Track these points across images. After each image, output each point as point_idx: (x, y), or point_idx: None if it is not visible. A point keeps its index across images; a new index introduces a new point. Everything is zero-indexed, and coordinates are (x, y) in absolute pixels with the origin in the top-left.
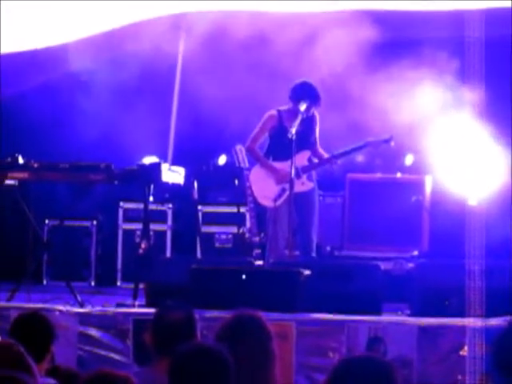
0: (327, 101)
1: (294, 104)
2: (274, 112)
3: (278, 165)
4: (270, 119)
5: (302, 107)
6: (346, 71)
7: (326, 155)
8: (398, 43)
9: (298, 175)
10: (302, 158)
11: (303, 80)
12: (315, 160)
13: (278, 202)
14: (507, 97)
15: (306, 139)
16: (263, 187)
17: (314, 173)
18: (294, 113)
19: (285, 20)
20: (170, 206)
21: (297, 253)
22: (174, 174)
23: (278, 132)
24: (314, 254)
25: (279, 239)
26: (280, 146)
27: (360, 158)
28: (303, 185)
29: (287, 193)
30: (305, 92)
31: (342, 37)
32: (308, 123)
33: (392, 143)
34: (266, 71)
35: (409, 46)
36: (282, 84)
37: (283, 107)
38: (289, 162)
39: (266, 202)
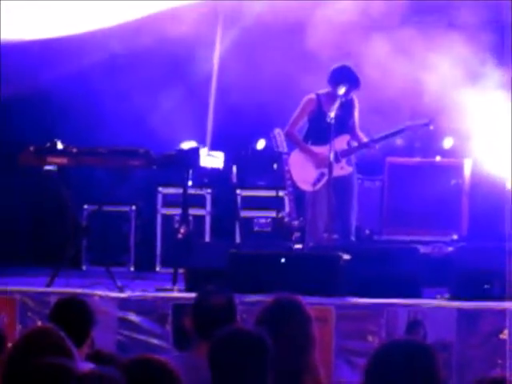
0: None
1: (333, 88)
2: (312, 96)
3: (317, 149)
4: (308, 103)
5: (341, 91)
6: (382, 53)
7: (365, 139)
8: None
9: (337, 159)
10: (341, 142)
11: (342, 63)
12: (354, 144)
13: (317, 187)
14: None
15: (344, 123)
16: (302, 171)
17: (353, 157)
18: (333, 97)
19: (319, 5)
20: (209, 190)
21: (336, 237)
22: (212, 159)
23: (317, 116)
24: (353, 238)
25: (318, 223)
26: (319, 130)
27: (399, 141)
28: (342, 169)
29: (326, 177)
30: (344, 75)
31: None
32: (347, 107)
33: (431, 127)
34: (303, 55)
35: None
36: (319, 68)
37: (322, 91)
38: (328, 146)
39: (305, 186)
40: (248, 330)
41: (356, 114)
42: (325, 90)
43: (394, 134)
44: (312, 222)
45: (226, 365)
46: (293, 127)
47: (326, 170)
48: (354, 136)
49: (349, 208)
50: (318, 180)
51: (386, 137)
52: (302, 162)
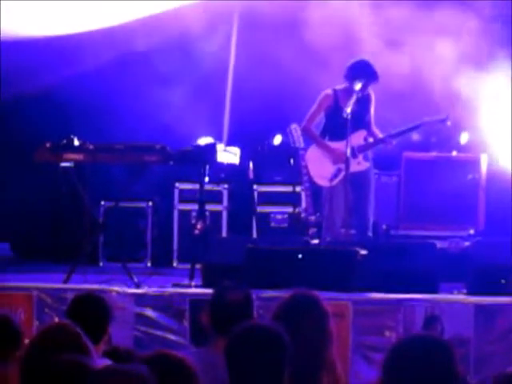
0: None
1: (350, 83)
2: (329, 91)
3: (333, 144)
4: (325, 98)
5: (357, 86)
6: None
7: (380, 135)
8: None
9: (354, 155)
10: (357, 138)
11: (359, 58)
12: (371, 139)
13: (334, 182)
14: None
15: (361, 118)
16: (319, 167)
17: (370, 152)
18: (350, 92)
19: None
20: (226, 186)
21: (353, 232)
22: (229, 155)
23: (334, 111)
24: (370, 234)
25: (335, 219)
26: (336, 126)
27: (415, 136)
28: (359, 164)
29: (343, 172)
30: (361, 70)
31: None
32: (364, 102)
33: (448, 123)
34: (317, 51)
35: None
36: (335, 63)
37: (339, 86)
38: (345, 142)
39: (322, 181)
40: (265, 325)
41: (372, 109)
42: (342, 85)
43: (410, 130)
44: (329, 217)
45: (243, 361)
46: (310, 122)
47: (343, 166)
48: (370, 131)
49: (366, 203)
50: (335, 175)
51: (403, 132)
52: (319, 158)
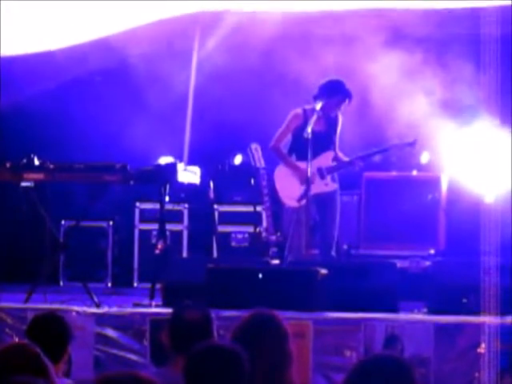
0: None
1: (333, 103)
2: (299, 111)
3: (302, 164)
4: (294, 118)
5: (317, 106)
6: (360, 72)
7: (345, 158)
8: (412, 39)
9: (321, 176)
10: (326, 159)
11: (330, 78)
12: (342, 159)
13: (302, 202)
14: None
15: (329, 139)
16: (287, 187)
17: (335, 173)
18: (327, 113)
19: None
20: (186, 205)
21: (316, 252)
22: (189, 174)
23: (302, 131)
24: (333, 254)
25: (302, 239)
26: (303, 145)
27: (376, 156)
28: (327, 186)
29: (310, 193)
30: (329, 89)
31: (356, 37)
32: (333, 124)
33: (416, 146)
34: (281, 71)
35: (424, 42)
36: (296, 84)
37: (309, 106)
38: (313, 162)
39: (290, 201)
40: (223, 345)
41: (338, 132)
42: (312, 105)
43: (378, 152)
44: (294, 237)
45: (201, 380)
46: (278, 142)
47: (311, 186)
48: (335, 154)
49: (331, 224)
50: (303, 196)
51: (371, 154)
52: (287, 178)
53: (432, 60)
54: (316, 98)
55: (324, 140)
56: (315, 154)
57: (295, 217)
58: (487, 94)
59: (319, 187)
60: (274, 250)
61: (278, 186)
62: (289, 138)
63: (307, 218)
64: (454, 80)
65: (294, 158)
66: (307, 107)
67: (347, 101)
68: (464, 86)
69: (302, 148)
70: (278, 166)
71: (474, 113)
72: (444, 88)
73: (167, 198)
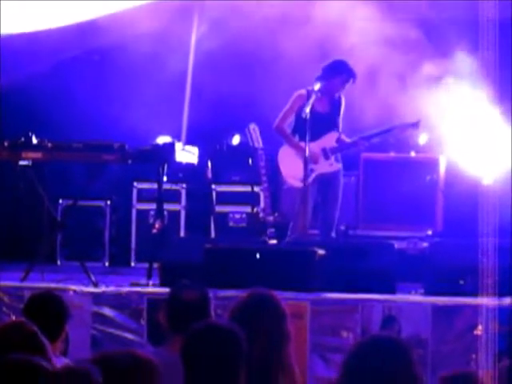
0: None
1: (324, 82)
2: (302, 91)
3: (303, 144)
4: (298, 98)
5: (316, 86)
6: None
7: (347, 139)
8: (409, 21)
9: (326, 156)
10: (330, 139)
11: (334, 59)
12: (348, 140)
13: (306, 183)
14: None
15: (333, 120)
16: (291, 167)
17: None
18: (324, 92)
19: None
20: (184, 185)
21: (315, 232)
22: (187, 154)
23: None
24: (333, 235)
25: (306, 219)
26: (304, 126)
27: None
28: (331, 166)
29: (315, 173)
30: (331, 70)
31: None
32: (336, 105)
33: (419, 127)
34: (279, 51)
35: (422, 24)
36: (300, 60)
37: (317, 86)
38: (316, 142)
39: (295, 182)
40: (221, 324)
41: (341, 113)
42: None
43: (382, 133)
44: (301, 217)
45: (199, 360)
46: (282, 122)
47: (314, 167)
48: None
49: (333, 205)
50: (307, 176)
51: (375, 135)
52: (291, 158)
53: (430, 42)
54: (319, 79)
55: (327, 121)
56: (319, 135)
57: (299, 197)
58: (485, 77)
59: (323, 167)
60: (271, 230)
61: (282, 166)
62: (292, 118)
63: (309, 199)
64: (452, 62)
65: (297, 138)
66: (311, 88)
67: (351, 80)
68: (462, 67)
69: (304, 128)
70: (282, 147)
71: (472, 95)
72: (442, 70)
73: (165, 178)
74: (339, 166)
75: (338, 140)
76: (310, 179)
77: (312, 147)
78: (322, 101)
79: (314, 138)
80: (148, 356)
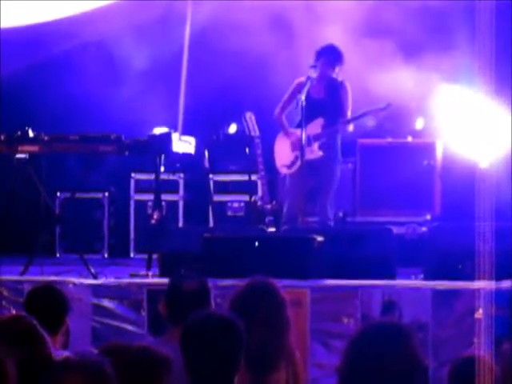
0: None
1: (320, 67)
2: (302, 79)
3: (294, 131)
4: (296, 86)
5: (311, 73)
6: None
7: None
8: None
9: (308, 143)
10: (315, 126)
11: (324, 44)
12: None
13: (293, 169)
14: None
15: (323, 106)
16: (282, 155)
17: (339, 140)
18: (321, 79)
19: None
20: (182, 175)
21: (311, 219)
22: (184, 144)
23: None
24: (330, 222)
25: (295, 207)
26: (300, 113)
27: (370, 123)
28: (312, 153)
29: (299, 160)
30: (319, 56)
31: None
32: (333, 90)
33: (387, 110)
34: (280, 35)
35: (418, 10)
36: (297, 48)
37: (314, 74)
38: (301, 129)
39: (283, 169)
40: (220, 314)
41: (345, 98)
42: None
43: (358, 117)
44: (289, 205)
45: (198, 349)
46: (280, 110)
47: (299, 153)
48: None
49: (324, 192)
50: (293, 163)
51: (352, 120)
52: (283, 146)
53: (427, 27)
54: (312, 67)
55: (318, 107)
56: (307, 122)
57: (288, 184)
58: (482, 61)
59: (306, 154)
60: (269, 218)
61: (276, 155)
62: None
63: (300, 186)
64: (449, 47)
65: (295, 125)
66: (311, 75)
67: (337, 63)
68: (459, 52)
69: (297, 115)
70: (278, 135)
71: (469, 78)
72: (439, 54)
73: (162, 169)
74: (320, 153)
75: (324, 126)
76: (296, 166)
77: (299, 134)
78: (316, 87)
79: (300, 125)
80: (162, 352)
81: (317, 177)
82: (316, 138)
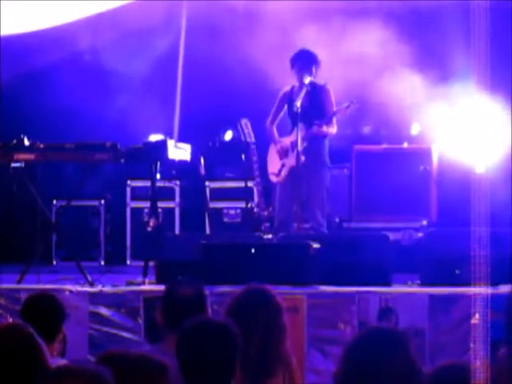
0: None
1: (296, 74)
2: (287, 88)
3: (280, 140)
4: (282, 95)
5: (304, 79)
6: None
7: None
8: (400, 9)
9: (292, 149)
10: (297, 132)
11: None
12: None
13: (280, 177)
14: (510, 65)
15: (308, 112)
16: (271, 164)
17: (326, 147)
18: (301, 85)
19: None
20: (178, 182)
21: (306, 226)
22: (180, 151)
23: (288, 107)
24: (322, 228)
25: (283, 214)
26: (292, 120)
27: (366, 129)
28: (294, 159)
29: (286, 167)
30: (293, 63)
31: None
32: (313, 95)
33: (355, 105)
34: (272, 41)
35: (412, 12)
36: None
37: (307, 80)
38: (289, 137)
39: (272, 177)
40: (214, 320)
41: (330, 102)
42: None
43: (327, 120)
44: (279, 212)
45: (193, 356)
46: (270, 122)
47: (285, 160)
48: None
49: (312, 197)
50: (280, 171)
51: (324, 122)
52: (272, 155)
53: (420, 30)
54: (307, 73)
55: (302, 113)
56: (292, 129)
57: (277, 192)
58: (477, 64)
59: (290, 161)
60: (266, 224)
61: (268, 162)
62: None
63: (295, 193)
64: (443, 50)
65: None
66: (296, 84)
67: (314, 64)
68: (454, 56)
69: (292, 122)
70: (270, 145)
71: (464, 83)
72: (433, 59)
73: (158, 176)
74: (303, 158)
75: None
76: (283, 174)
77: (284, 141)
78: (298, 94)
79: (290, 132)
80: (159, 359)
81: (304, 183)
82: (296, 144)
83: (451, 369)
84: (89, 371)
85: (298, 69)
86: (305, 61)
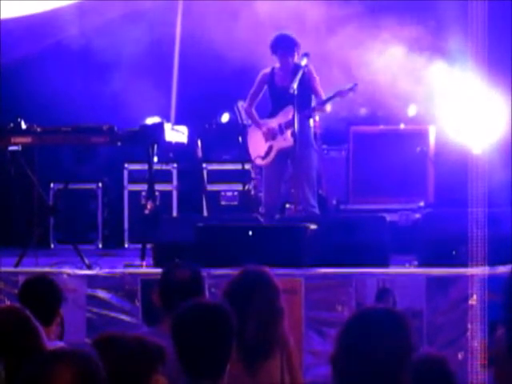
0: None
1: (279, 59)
2: (267, 70)
3: (265, 122)
4: (261, 78)
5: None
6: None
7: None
8: None
9: (281, 131)
10: (286, 114)
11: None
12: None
13: (267, 160)
14: (508, 46)
15: (291, 94)
16: (255, 146)
17: (317, 129)
18: (284, 68)
19: None
20: (175, 165)
21: (300, 208)
22: (177, 134)
23: (269, 89)
24: (313, 209)
25: (272, 197)
26: (271, 103)
27: (362, 110)
28: (285, 140)
29: (274, 149)
30: (275, 49)
31: None
32: (301, 79)
33: (355, 90)
34: (266, 26)
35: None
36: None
37: (277, 64)
38: (274, 119)
39: (258, 160)
40: (210, 303)
41: (314, 81)
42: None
43: (326, 101)
44: (266, 195)
45: (188, 337)
46: (248, 103)
47: (273, 142)
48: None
49: (303, 179)
50: (267, 153)
51: (323, 102)
52: (255, 138)
53: (420, 11)
54: (304, 55)
55: (285, 95)
56: (278, 110)
57: (264, 175)
58: (475, 46)
59: (280, 143)
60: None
61: (250, 147)
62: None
63: (276, 176)
64: (441, 32)
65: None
66: (277, 65)
67: (296, 47)
68: (452, 37)
69: (270, 106)
70: (250, 128)
71: (461, 64)
72: (431, 40)
73: (155, 159)
74: (291, 140)
75: (295, 113)
76: (271, 156)
77: (270, 123)
78: (282, 76)
79: (274, 114)
80: (156, 341)
81: (293, 165)
82: (287, 125)
83: (429, 361)
84: (78, 356)
85: (282, 53)
86: (287, 45)
